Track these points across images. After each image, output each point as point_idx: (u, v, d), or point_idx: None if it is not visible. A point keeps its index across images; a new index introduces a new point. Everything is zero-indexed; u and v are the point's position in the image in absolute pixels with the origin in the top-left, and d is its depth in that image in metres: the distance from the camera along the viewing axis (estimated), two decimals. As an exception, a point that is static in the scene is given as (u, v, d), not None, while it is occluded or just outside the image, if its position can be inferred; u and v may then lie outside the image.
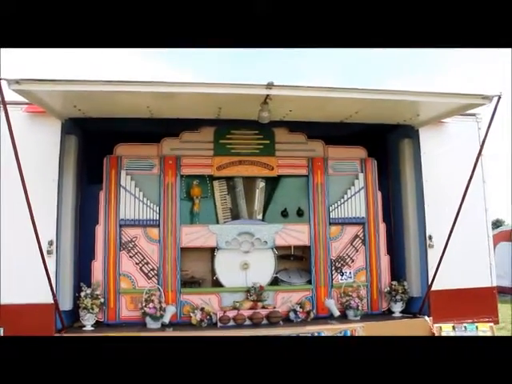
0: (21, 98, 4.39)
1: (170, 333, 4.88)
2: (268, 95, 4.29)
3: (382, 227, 5.92)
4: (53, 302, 4.64)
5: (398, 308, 5.64)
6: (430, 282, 5.29)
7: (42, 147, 4.98)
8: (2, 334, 4.70)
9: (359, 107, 5.00)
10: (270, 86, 4.07)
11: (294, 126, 5.81)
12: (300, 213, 5.84)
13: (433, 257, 5.37)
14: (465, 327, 5.27)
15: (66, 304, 5.07)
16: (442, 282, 5.27)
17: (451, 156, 5.62)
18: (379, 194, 5.98)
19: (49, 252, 4.78)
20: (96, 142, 5.63)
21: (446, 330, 5.23)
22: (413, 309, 5.61)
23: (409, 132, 5.81)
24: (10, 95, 4.23)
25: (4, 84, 3.93)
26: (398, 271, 5.93)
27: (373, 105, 4.79)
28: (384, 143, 6.34)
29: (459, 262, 5.34)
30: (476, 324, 5.32)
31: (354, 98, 4.36)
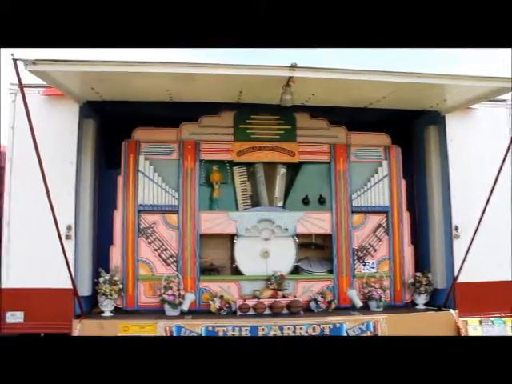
0: (39, 81, 4.36)
1: (186, 320, 4.80)
2: (291, 77, 4.14)
3: (406, 216, 5.76)
4: (72, 287, 4.60)
5: (421, 300, 5.50)
6: (456, 274, 5.13)
7: (60, 130, 4.94)
8: (22, 318, 4.73)
9: (386, 92, 4.82)
10: (293, 67, 3.93)
11: (315, 111, 5.66)
12: (322, 200, 5.70)
13: (459, 248, 5.21)
14: (492, 322, 5.12)
15: (85, 289, 5.04)
16: (469, 274, 5.11)
17: (479, 144, 5.41)
18: (403, 182, 5.81)
19: (67, 237, 4.75)
20: (114, 126, 5.53)
21: (473, 324, 5.09)
22: (437, 301, 5.45)
23: (435, 118, 5.61)
24: (28, 78, 4.18)
25: (20, 65, 3.85)
26: (422, 262, 5.78)
27: (400, 89, 4.62)
28: (409, 130, 6.14)
29: (486, 253, 5.17)
30: (503, 319, 5.15)
31: (382, 81, 4.18)
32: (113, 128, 5.58)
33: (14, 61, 3.77)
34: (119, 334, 4.59)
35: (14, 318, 4.72)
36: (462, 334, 5.00)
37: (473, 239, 4.92)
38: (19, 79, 3.92)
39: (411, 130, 6.13)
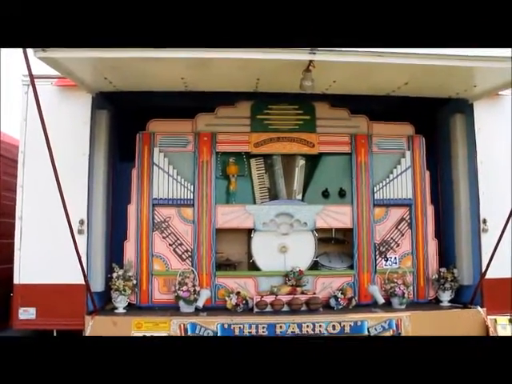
0: (51, 72, 4.26)
1: (201, 318, 4.67)
2: (311, 61, 3.93)
3: (430, 209, 5.54)
4: (84, 282, 4.50)
5: (446, 297, 5.28)
6: (483, 270, 4.89)
7: (73, 122, 4.85)
8: (34, 315, 4.68)
9: (409, 77, 4.58)
10: (313, 50, 3.72)
11: (335, 101, 5.46)
12: (342, 193, 5.52)
13: (487, 242, 4.97)
14: (522, 320, 4.87)
15: (98, 285, 4.93)
16: (498, 270, 4.86)
17: (509, 133, 5.12)
18: (427, 174, 5.59)
19: (80, 231, 4.66)
20: (128, 117, 5.44)
21: (502, 322, 4.86)
22: (463, 298, 5.22)
23: (462, 106, 5.35)
24: (41, 69, 4.12)
25: (31, 54, 3.73)
26: (447, 257, 5.56)
27: (425, 74, 4.36)
28: (433, 119, 5.91)
29: (517, 248, 4.92)
30: (535, 317, 4.90)
31: (408, 64, 3.94)
32: (127, 119, 5.48)
33: (24, 49, 3.65)
34: (133, 331, 4.48)
35: (27, 314, 4.66)
36: (491, 333, 4.77)
37: (503, 233, 4.67)
38: (29, 67, 3.79)
39: (436, 119, 5.89)
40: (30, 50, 3.68)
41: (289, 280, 5.12)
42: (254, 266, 5.35)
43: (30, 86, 4.11)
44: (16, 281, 4.70)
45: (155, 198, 5.23)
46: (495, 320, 4.86)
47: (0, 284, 5.27)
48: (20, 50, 3.62)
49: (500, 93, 5.15)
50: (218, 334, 4.53)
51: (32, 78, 3.89)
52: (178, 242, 5.22)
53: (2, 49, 3.77)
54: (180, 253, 5.21)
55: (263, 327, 4.58)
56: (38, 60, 3.81)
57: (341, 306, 5.07)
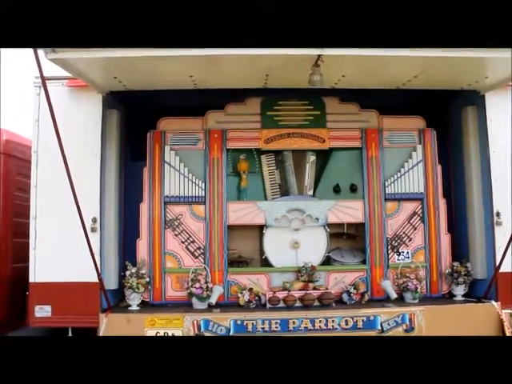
0: (63, 73, 4.31)
1: (214, 314, 4.69)
2: (320, 55, 3.92)
3: (443, 203, 5.50)
4: (98, 280, 4.55)
5: (460, 291, 5.24)
6: (498, 263, 4.84)
7: (84, 122, 4.90)
8: (50, 312, 4.75)
9: (419, 70, 4.54)
10: None
11: (345, 95, 5.45)
12: (353, 188, 5.49)
13: (501, 235, 4.93)
14: (538, 314, 4.82)
15: (112, 283, 4.98)
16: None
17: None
18: (439, 168, 5.54)
19: (93, 229, 4.71)
20: (139, 116, 5.48)
21: (516, 316, 4.80)
22: (477, 293, 5.19)
23: (473, 98, 5.31)
24: (52, 71, 4.18)
25: (42, 56, 3.78)
26: (460, 251, 5.52)
27: (435, 66, 4.33)
28: (445, 112, 5.86)
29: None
30: (550, 310, 4.84)
31: (418, 56, 3.91)
32: (137, 118, 5.52)
33: (35, 51, 3.70)
34: (146, 328, 4.52)
35: (42, 311, 4.74)
36: (506, 327, 4.72)
37: (516, 226, 4.63)
38: (40, 69, 3.84)
39: (447, 112, 5.84)
40: (41, 52, 3.73)
41: (301, 276, 5.12)
42: (266, 263, 5.35)
43: (42, 88, 4.15)
44: (31, 279, 4.78)
45: (167, 196, 5.26)
46: (510, 314, 4.81)
47: (16, 283, 5.36)
48: (31, 52, 3.67)
49: (509, 84, 5.07)
50: (231, 330, 4.56)
51: (44, 79, 3.95)
52: (190, 239, 5.25)
53: (13, 51, 3.80)
54: (192, 250, 5.24)
55: (276, 323, 4.59)
56: (49, 61, 3.86)
57: (353, 301, 5.07)
